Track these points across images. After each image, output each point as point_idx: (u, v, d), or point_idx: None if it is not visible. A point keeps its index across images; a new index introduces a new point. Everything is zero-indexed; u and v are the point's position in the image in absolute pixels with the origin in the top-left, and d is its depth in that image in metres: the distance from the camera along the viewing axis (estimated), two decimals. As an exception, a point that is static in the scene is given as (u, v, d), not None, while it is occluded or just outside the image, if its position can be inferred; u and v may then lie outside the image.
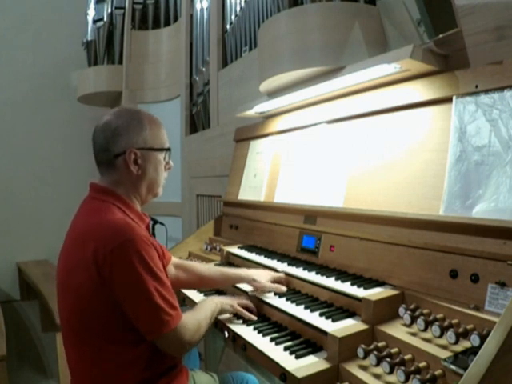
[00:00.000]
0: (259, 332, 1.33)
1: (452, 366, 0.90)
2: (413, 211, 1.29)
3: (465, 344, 0.98)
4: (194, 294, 1.79)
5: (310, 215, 1.73)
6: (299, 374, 1.05)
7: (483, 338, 0.90)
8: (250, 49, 2.77)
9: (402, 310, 1.16)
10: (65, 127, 5.49)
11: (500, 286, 1.03)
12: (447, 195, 1.22)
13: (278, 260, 1.72)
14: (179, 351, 1.24)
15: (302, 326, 1.29)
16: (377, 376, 1.02)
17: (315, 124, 1.85)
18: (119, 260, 1.11)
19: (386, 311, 1.19)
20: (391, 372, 0.98)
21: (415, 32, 1.50)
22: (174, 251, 2.32)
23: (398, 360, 1.00)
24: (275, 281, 1.55)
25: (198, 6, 3.60)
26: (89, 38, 4.63)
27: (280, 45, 1.70)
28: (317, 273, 1.49)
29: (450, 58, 1.37)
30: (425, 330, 1.07)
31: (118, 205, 1.25)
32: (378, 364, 1.02)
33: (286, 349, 1.19)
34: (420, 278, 1.23)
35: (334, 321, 1.22)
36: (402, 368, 0.96)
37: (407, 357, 1.02)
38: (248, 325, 1.40)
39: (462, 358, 0.92)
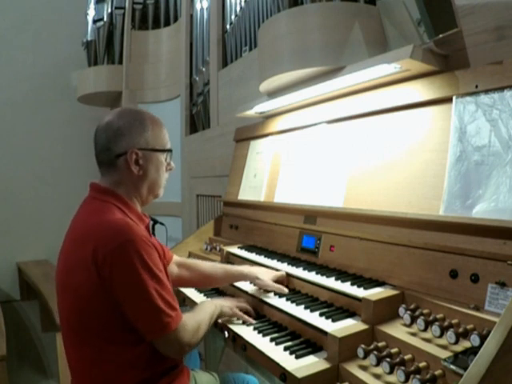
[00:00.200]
0: (259, 332, 1.33)
1: (452, 366, 0.90)
2: (413, 211, 1.29)
3: (465, 344, 0.98)
4: (194, 294, 1.79)
5: (310, 215, 1.73)
6: (299, 374, 1.05)
7: (483, 338, 0.90)
8: (250, 49, 2.77)
9: (401, 310, 1.16)
10: (65, 127, 5.49)
11: (500, 286, 1.03)
12: (447, 195, 1.22)
13: (278, 260, 1.72)
14: (178, 353, 1.23)
15: (302, 326, 1.29)
16: (377, 376, 1.02)
17: (315, 124, 1.85)
18: (119, 260, 1.11)
19: (385, 311, 1.19)
20: (391, 372, 0.98)
21: (415, 32, 1.50)
22: (173, 251, 2.29)
23: (397, 360, 1.00)
24: (277, 280, 1.55)
25: (197, 6, 3.60)
26: (89, 38, 4.63)
27: (280, 45, 1.70)
28: (317, 273, 1.49)
29: (449, 57, 1.37)
30: (425, 330, 1.07)
31: (118, 205, 1.25)
32: (378, 364, 1.02)
33: (286, 349, 1.19)
34: (420, 278, 1.23)
35: (334, 321, 1.22)
36: (402, 368, 0.96)
37: (407, 357, 1.02)
38: (248, 325, 1.40)
39: (462, 358, 0.92)
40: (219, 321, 1.44)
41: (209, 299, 1.64)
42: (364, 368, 1.06)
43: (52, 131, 5.45)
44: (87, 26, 4.66)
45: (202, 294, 1.79)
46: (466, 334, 0.99)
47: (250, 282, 1.62)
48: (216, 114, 3.24)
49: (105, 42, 4.57)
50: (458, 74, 1.26)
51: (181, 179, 3.89)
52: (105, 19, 4.51)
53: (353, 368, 1.07)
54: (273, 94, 1.97)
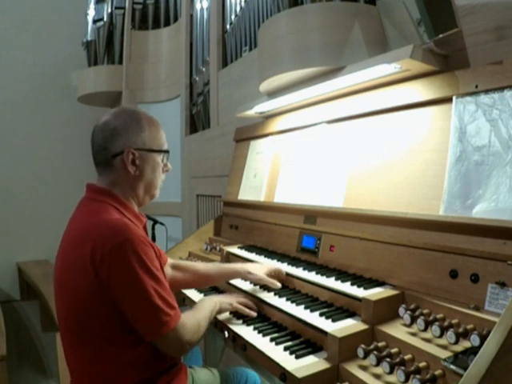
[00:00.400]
0: (259, 332, 1.33)
1: (452, 366, 0.90)
2: (413, 211, 1.29)
3: (465, 344, 0.98)
4: (193, 294, 1.79)
5: (310, 215, 1.73)
6: (299, 374, 1.05)
7: (483, 338, 0.90)
8: (250, 49, 2.77)
9: (401, 310, 1.16)
10: (65, 127, 5.49)
11: (500, 286, 1.03)
12: (447, 195, 1.22)
13: (278, 260, 1.72)
14: (179, 351, 1.23)
15: (302, 326, 1.29)
16: (377, 376, 1.02)
17: (315, 124, 1.85)
18: (117, 260, 1.11)
19: (386, 311, 1.19)
20: (391, 372, 0.98)
21: (415, 32, 1.50)
22: (174, 251, 2.32)
23: (397, 360, 1.00)
24: (272, 274, 1.55)
25: (197, 5, 3.60)
26: (89, 38, 4.63)
27: (280, 45, 1.70)
28: (317, 273, 1.49)
29: (449, 57, 1.37)
30: (425, 330, 1.07)
31: (115, 205, 1.25)
32: (378, 364, 1.02)
33: (286, 349, 1.19)
34: (420, 278, 1.23)
35: (334, 321, 1.22)
36: (402, 368, 0.96)
37: (407, 357, 1.02)
38: (248, 325, 1.40)
39: (462, 358, 0.92)
40: (220, 317, 1.44)
41: (208, 296, 1.64)
42: (364, 368, 1.06)
43: (52, 131, 5.45)
44: (87, 26, 4.66)
45: (201, 294, 1.79)
46: (466, 334, 0.99)
47: (243, 278, 1.62)
48: (216, 114, 3.24)
49: (105, 41, 4.57)
50: (458, 74, 1.26)
51: (181, 179, 3.89)
52: (105, 19, 4.51)
53: (353, 368, 1.07)
54: (273, 93, 1.97)
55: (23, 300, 5.21)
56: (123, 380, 1.17)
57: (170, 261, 1.64)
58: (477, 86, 1.20)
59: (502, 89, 1.14)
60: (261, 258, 1.79)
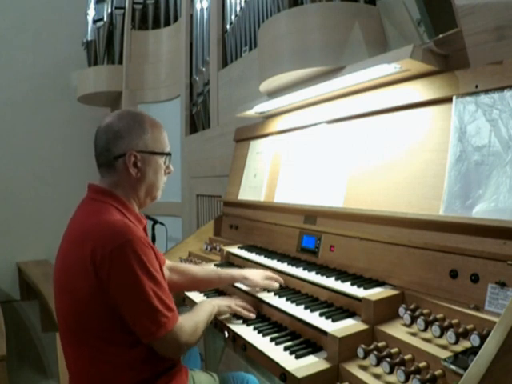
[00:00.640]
0: (259, 332, 1.33)
1: (452, 366, 0.90)
2: (413, 211, 1.29)
3: (465, 344, 0.98)
4: (194, 295, 1.79)
5: (310, 215, 1.73)
6: (299, 374, 1.05)
7: (483, 338, 0.90)
8: (250, 49, 2.77)
9: (401, 310, 1.16)
10: (65, 127, 5.49)
11: (500, 286, 1.03)
12: (447, 195, 1.22)
13: (278, 260, 1.72)
14: (176, 353, 1.23)
15: (302, 326, 1.29)
16: (377, 376, 1.02)
17: (315, 124, 1.85)
18: (118, 261, 1.11)
19: (386, 311, 1.19)
20: (391, 372, 0.98)
21: (415, 32, 1.50)
22: (173, 251, 2.32)
23: (398, 360, 1.00)
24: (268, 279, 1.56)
25: (197, 5, 3.60)
26: (89, 38, 4.63)
27: (280, 45, 1.70)
28: (317, 273, 1.49)
29: (449, 57, 1.37)
30: (425, 330, 1.07)
31: (117, 206, 1.25)
32: (378, 364, 1.02)
33: (285, 349, 1.19)
34: (420, 277, 1.23)
35: (333, 321, 1.22)
36: (402, 368, 0.96)
37: (407, 357, 1.02)
38: (248, 325, 1.40)
39: (462, 358, 0.92)
40: (220, 318, 1.44)
41: (207, 299, 1.64)
42: (364, 368, 1.06)
43: (52, 131, 5.45)
44: (87, 26, 4.66)
45: (201, 294, 1.79)
46: (466, 334, 0.99)
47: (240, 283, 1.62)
48: (216, 114, 3.24)
49: (105, 41, 4.57)
50: (458, 74, 1.26)
51: (181, 179, 3.89)
52: (105, 19, 4.51)
53: (353, 368, 1.07)
54: (273, 93, 1.97)
55: (23, 300, 5.21)
56: (121, 380, 1.17)
57: (167, 262, 1.64)
58: (477, 86, 1.20)
59: (501, 89, 1.14)
60: (261, 258, 1.79)
